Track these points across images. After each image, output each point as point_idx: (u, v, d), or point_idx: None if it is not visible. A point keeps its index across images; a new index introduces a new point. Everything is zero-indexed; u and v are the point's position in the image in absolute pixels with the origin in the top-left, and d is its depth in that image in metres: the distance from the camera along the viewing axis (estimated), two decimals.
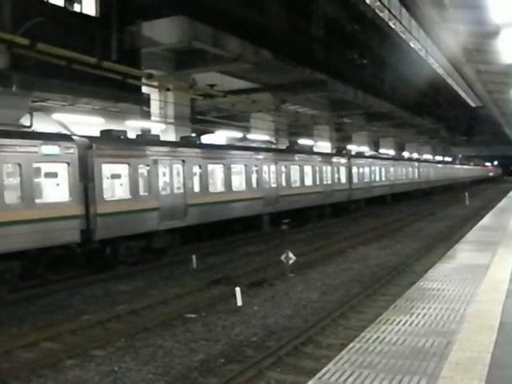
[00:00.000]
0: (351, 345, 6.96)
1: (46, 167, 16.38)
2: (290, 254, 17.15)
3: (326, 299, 14.60)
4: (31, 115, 18.09)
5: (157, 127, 25.84)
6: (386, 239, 25.84)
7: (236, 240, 25.29)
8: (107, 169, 18.34)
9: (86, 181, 17.35)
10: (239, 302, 13.58)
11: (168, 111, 26.63)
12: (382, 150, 59.55)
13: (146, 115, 26.19)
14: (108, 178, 18.46)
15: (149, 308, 14.04)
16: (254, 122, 37.60)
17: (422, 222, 33.84)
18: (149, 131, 25.58)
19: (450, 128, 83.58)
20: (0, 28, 16.28)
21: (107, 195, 18.21)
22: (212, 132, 29.96)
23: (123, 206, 18.61)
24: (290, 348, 10.38)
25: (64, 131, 18.45)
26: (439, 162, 77.57)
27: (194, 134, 26.93)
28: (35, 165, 15.85)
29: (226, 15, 25.37)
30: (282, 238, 18.04)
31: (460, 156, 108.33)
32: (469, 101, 79.34)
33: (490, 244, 14.99)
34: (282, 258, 17.31)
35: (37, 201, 15.79)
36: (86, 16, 21.68)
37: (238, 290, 13.76)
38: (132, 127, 22.42)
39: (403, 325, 7.73)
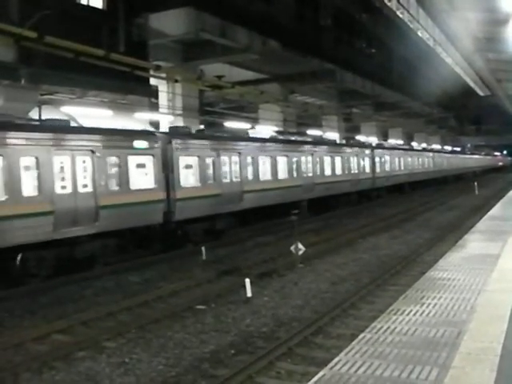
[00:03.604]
0: (362, 335, 6.96)
1: (137, 159, 19.07)
2: (300, 245, 17.14)
3: (335, 289, 14.60)
4: (40, 108, 18.19)
5: (165, 119, 25.87)
6: (395, 229, 25.79)
7: (245, 231, 25.31)
8: (183, 160, 21.11)
9: (166, 171, 20.12)
10: (249, 293, 13.60)
11: (176, 103, 26.61)
12: (390, 140, 59.52)
13: (154, 107, 26.18)
14: (183, 168, 21.19)
15: (159, 299, 14.08)
16: (262, 113, 37.54)
17: (432, 211, 33.74)
18: (157, 123, 25.74)
19: (458, 117, 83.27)
20: (8, 21, 16.27)
21: (183, 183, 20.97)
22: (221, 123, 30.10)
23: (195, 192, 21.40)
24: (301, 339, 10.39)
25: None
26: (452, 152, 78.42)
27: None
28: (129, 157, 18.63)
29: (234, 5, 25.27)
30: (291, 228, 18.03)
31: (469, 145, 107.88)
32: (477, 90, 78.84)
33: (501, 234, 14.94)
34: (292, 248, 17.30)
35: (131, 187, 18.58)
36: (94, 8, 21.65)
37: (247, 280, 13.77)
38: (141, 119, 22.50)
39: (414, 315, 7.73)
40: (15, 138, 15.21)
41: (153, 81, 24.59)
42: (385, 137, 61.71)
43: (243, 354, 9.93)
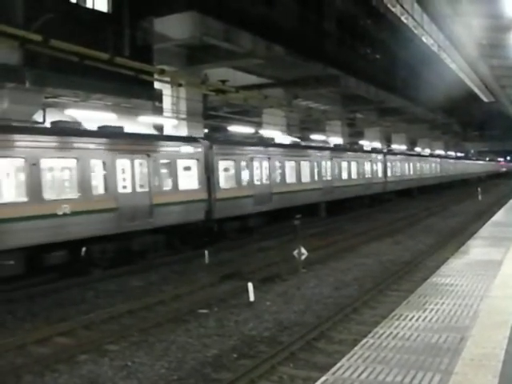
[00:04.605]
0: (364, 340, 6.95)
1: (184, 163, 21.29)
2: (303, 250, 17.10)
3: (338, 294, 14.60)
4: (44, 111, 18.23)
5: (169, 123, 25.93)
6: (398, 234, 25.78)
7: (248, 235, 25.32)
8: (222, 164, 23.48)
9: (208, 173, 22.29)
10: (252, 298, 13.61)
11: (180, 107, 26.64)
12: (394, 146, 59.55)
13: (158, 111, 26.18)
14: (222, 171, 23.55)
15: (161, 303, 14.09)
16: (265, 118, 37.55)
17: (435, 217, 33.71)
18: (161, 127, 25.85)
19: (462, 123, 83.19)
20: (13, 24, 16.28)
21: (222, 184, 23.27)
22: (225, 127, 30.24)
23: (232, 193, 23.65)
24: (303, 343, 10.40)
25: None
26: (458, 158, 79.71)
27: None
28: (178, 161, 20.84)
29: (237, 10, 25.29)
30: (294, 233, 18.02)
31: (472, 151, 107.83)
32: (481, 96, 78.81)
33: (503, 240, 14.92)
34: (295, 253, 17.28)
35: (180, 188, 20.67)
36: (98, 12, 21.67)
37: (250, 285, 13.79)
38: (144, 123, 22.57)
39: (416, 320, 7.72)
40: (87, 143, 17.31)
41: (157, 85, 24.59)
42: (388, 142, 61.68)
43: (245, 359, 9.94)
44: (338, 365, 6.14)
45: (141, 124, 22.11)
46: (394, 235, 25.51)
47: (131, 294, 15.32)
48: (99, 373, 9.50)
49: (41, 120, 18.16)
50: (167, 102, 26.72)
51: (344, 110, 47.32)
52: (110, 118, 20.31)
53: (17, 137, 15.47)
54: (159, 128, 26.30)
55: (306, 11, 32.06)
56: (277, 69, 33.16)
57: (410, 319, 7.79)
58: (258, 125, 36.93)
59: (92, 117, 19.80)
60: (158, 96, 25.64)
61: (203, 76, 25.97)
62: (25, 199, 15.25)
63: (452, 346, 6.58)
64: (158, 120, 25.19)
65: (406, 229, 28.05)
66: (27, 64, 17.58)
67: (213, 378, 9.15)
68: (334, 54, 35.10)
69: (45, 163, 15.91)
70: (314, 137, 40.74)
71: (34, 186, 15.46)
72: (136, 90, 21.64)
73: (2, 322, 12.82)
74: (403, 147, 60.75)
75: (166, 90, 26.34)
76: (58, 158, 16.61)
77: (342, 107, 47.04)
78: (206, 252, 19.21)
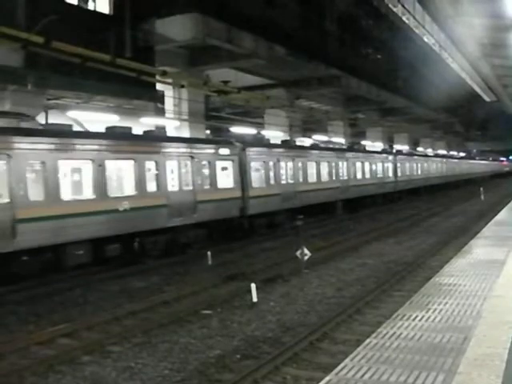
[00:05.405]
0: (367, 340, 6.94)
1: (222, 164, 23.42)
2: (306, 250, 17.11)
3: (341, 295, 14.58)
4: (46, 113, 18.25)
5: (171, 124, 25.94)
6: (400, 234, 25.75)
7: (251, 236, 25.33)
8: (253, 165, 25.54)
9: (242, 173, 24.34)
10: (254, 298, 13.60)
11: (182, 108, 26.66)
12: (396, 146, 59.54)
13: (160, 112, 26.19)
14: (254, 171, 25.51)
15: (164, 304, 14.08)
16: (267, 118, 37.56)
17: (437, 217, 33.69)
18: (163, 128, 25.87)
19: (464, 123, 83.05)
20: (15, 26, 16.29)
21: (254, 184, 25.20)
22: (227, 129, 30.35)
23: (262, 192, 25.58)
24: (306, 344, 10.38)
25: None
26: (462, 158, 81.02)
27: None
28: (217, 162, 22.94)
29: (239, 11, 25.28)
30: (296, 234, 18.03)
31: (474, 151, 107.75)
32: (483, 95, 78.65)
33: (506, 239, 14.90)
34: (297, 254, 17.29)
35: (218, 186, 22.76)
36: (100, 14, 21.70)
37: (253, 286, 13.78)
38: (147, 124, 22.59)
39: (419, 320, 7.71)
40: (142, 146, 19.45)
41: (159, 86, 24.61)
42: (391, 142, 61.64)
43: (249, 359, 9.93)
44: (342, 365, 6.13)
45: (143, 125, 22.10)
46: (397, 235, 25.49)
47: (134, 295, 15.32)
48: (102, 374, 9.50)
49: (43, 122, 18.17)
50: (169, 104, 26.74)
51: (346, 110, 47.32)
52: (112, 120, 20.32)
53: (86, 141, 17.54)
54: (161, 129, 26.28)
55: (307, 12, 32.05)
56: (278, 69, 33.18)
57: (414, 319, 7.78)
58: (260, 125, 36.92)
59: (94, 118, 19.84)
60: (159, 97, 25.69)
61: (205, 77, 25.99)
62: (93, 196, 17.32)
63: (455, 345, 6.57)
64: (160, 121, 25.19)
65: (409, 229, 28.04)
66: (29, 66, 17.61)
67: (216, 378, 9.14)
68: (336, 55, 35.06)
69: (109, 164, 17.91)
70: (331, 139, 42.26)
71: (101, 185, 17.50)
72: (138, 92, 21.69)
73: (6, 323, 12.82)
74: (406, 147, 60.69)
75: (168, 92, 26.36)
76: (119, 159, 18.65)
77: (343, 107, 47.04)
78: (209, 253, 19.21)
